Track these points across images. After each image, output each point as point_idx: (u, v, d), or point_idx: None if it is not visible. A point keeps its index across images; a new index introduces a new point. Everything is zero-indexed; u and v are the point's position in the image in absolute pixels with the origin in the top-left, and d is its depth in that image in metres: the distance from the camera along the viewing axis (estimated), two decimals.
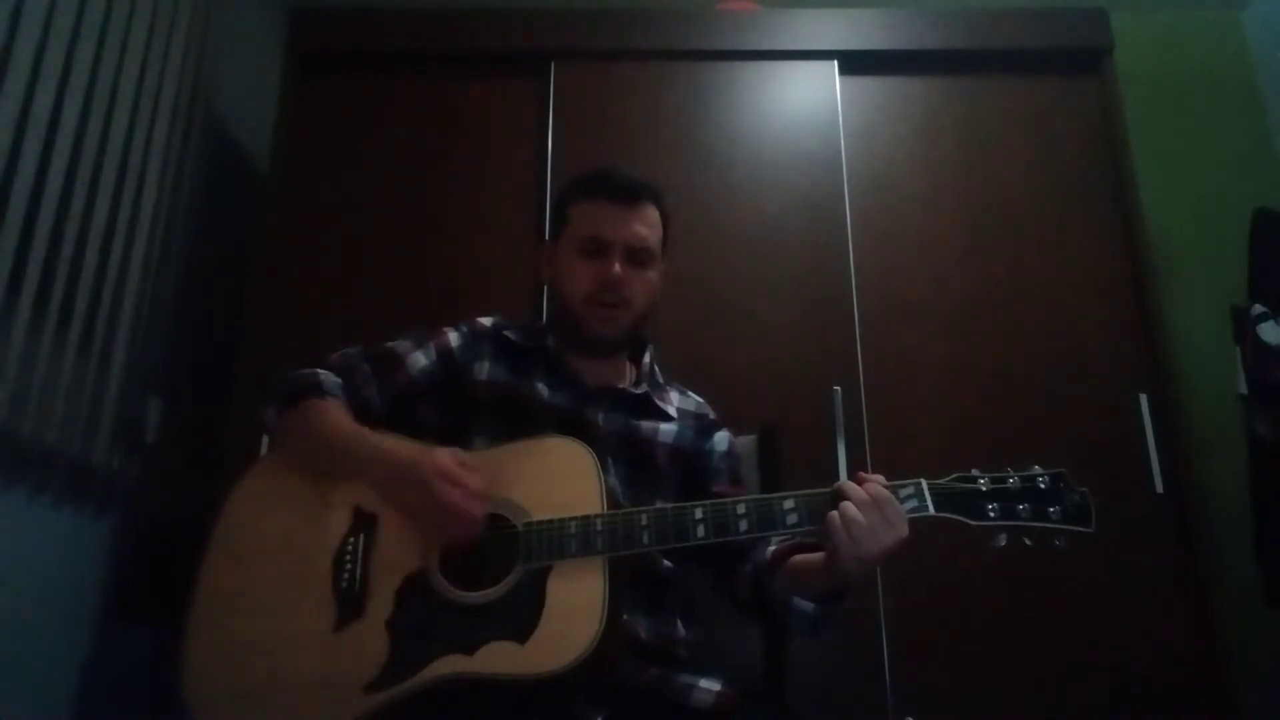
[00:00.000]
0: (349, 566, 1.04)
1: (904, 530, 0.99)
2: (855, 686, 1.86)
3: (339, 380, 1.19)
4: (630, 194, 1.25)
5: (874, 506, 0.98)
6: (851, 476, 1.03)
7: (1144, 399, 2.03)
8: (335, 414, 1.14)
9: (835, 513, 0.99)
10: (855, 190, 2.21)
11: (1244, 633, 2.05)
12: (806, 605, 1.10)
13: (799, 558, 1.12)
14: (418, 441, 1.15)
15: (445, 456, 1.04)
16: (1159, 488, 1.97)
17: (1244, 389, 2.10)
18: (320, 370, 1.20)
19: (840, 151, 2.24)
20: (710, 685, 1.07)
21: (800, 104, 2.29)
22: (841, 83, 2.30)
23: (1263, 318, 2.06)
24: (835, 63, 2.31)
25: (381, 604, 1.01)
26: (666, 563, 1.18)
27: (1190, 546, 1.94)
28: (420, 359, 1.23)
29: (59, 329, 1.70)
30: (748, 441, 1.43)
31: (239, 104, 2.49)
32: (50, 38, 1.67)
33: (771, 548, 1.17)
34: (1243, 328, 2.11)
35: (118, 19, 1.86)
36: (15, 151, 1.58)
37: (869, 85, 2.31)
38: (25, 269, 1.60)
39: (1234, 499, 2.22)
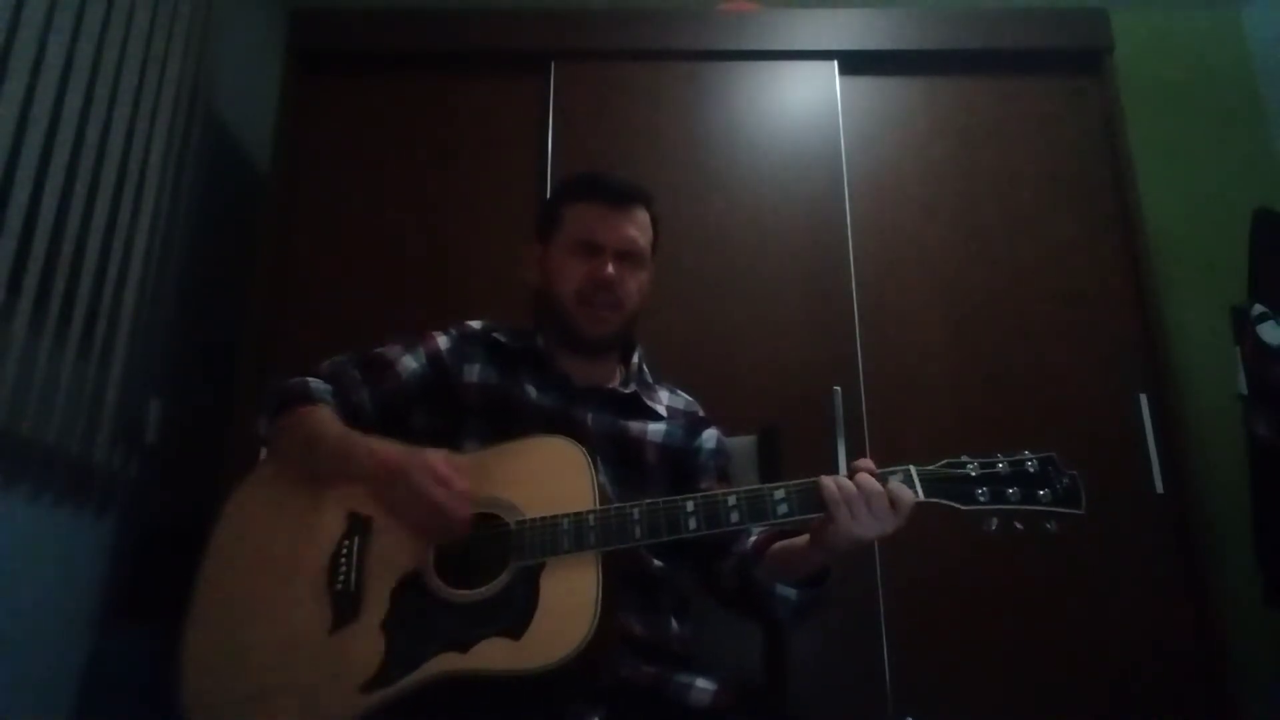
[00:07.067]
0: (344, 569, 1.05)
1: (900, 522, 0.99)
2: (855, 686, 1.86)
3: (329, 387, 1.21)
4: (622, 197, 1.27)
5: (880, 496, 0.98)
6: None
7: (1144, 399, 2.03)
8: (325, 418, 1.16)
9: (835, 488, 0.99)
10: (855, 190, 2.21)
11: (1244, 633, 2.06)
12: (789, 592, 1.11)
13: (781, 543, 1.13)
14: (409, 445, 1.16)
15: (434, 457, 1.05)
16: (1159, 488, 1.97)
17: (1244, 389, 2.09)
18: (310, 379, 1.22)
19: (840, 151, 2.24)
20: (708, 684, 1.07)
21: (800, 104, 2.29)
22: (841, 83, 2.30)
23: (1263, 318, 2.05)
24: (835, 63, 2.31)
25: (377, 605, 1.01)
26: (658, 562, 1.19)
27: (1190, 546, 1.94)
28: (410, 363, 1.24)
29: (59, 329, 1.70)
30: (748, 442, 1.43)
31: (239, 104, 2.49)
32: (50, 37, 1.67)
33: (753, 537, 1.18)
34: (1243, 328, 2.11)
35: (118, 19, 1.86)
36: (15, 151, 1.59)
37: (869, 85, 2.31)
38: (25, 269, 1.61)
39: (1234, 499, 2.21)
